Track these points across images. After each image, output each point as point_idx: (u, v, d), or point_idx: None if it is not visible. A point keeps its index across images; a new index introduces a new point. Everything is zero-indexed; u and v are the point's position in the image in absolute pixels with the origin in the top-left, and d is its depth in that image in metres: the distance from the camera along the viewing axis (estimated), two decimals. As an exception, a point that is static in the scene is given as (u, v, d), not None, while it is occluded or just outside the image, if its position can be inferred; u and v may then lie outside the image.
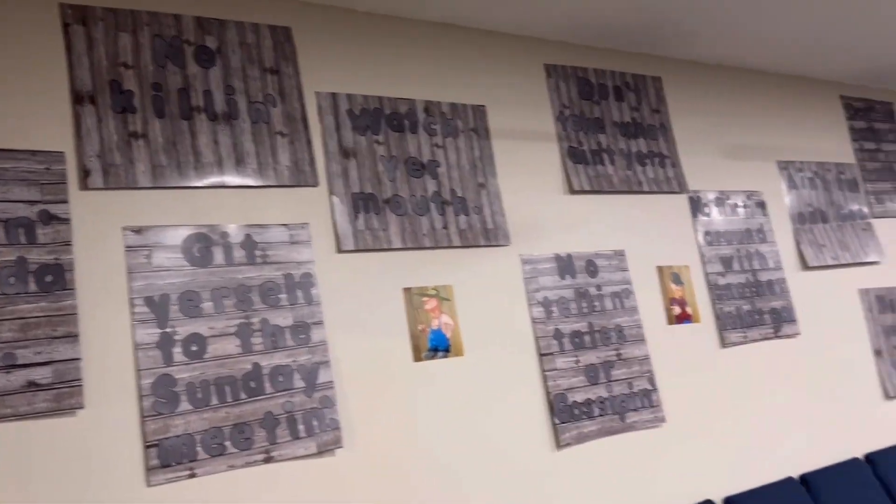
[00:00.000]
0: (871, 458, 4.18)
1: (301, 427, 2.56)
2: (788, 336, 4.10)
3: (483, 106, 3.38)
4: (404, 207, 3.01)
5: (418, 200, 3.06)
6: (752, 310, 3.99)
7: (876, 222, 4.83)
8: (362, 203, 2.92)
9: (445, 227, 3.09)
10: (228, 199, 2.64)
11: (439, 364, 2.93)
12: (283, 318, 2.63)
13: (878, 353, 4.49)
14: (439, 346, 2.95)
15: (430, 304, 2.96)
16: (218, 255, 2.57)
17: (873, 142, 5.05)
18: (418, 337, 2.91)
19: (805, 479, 3.84)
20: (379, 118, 3.06)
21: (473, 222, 3.18)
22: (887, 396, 4.43)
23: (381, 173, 3.00)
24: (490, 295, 3.14)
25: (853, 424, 4.21)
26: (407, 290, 2.93)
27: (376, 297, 2.86)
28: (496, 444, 2.99)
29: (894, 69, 4.94)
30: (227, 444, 2.43)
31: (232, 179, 2.66)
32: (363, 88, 3.06)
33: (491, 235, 3.21)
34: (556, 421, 3.16)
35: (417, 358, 2.89)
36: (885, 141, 5.12)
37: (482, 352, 3.05)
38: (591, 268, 3.49)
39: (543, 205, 3.43)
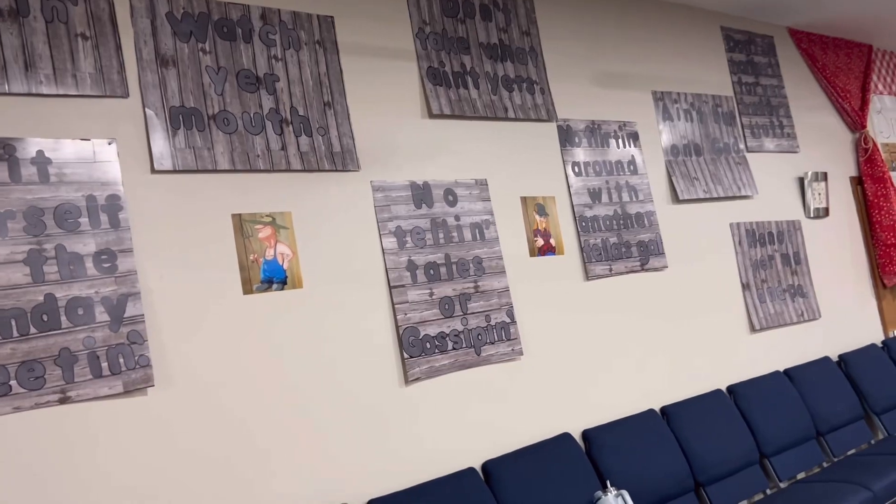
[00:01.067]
0: (732, 390, 4.22)
1: (104, 364, 2.30)
2: (656, 269, 4.04)
3: (331, 17, 3.09)
4: (234, 125, 2.72)
5: (252, 118, 2.77)
6: (619, 242, 3.91)
7: (751, 157, 4.81)
8: (183, 118, 2.62)
9: (284, 149, 2.82)
10: (15, 108, 2.29)
11: (274, 297, 2.70)
12: (82, 245, 2.33)
13: (745, 286, 4.51)
14: (274, 278, 2.71)
15: (265, 231, 2.71)
16: (1, 173, 2.24)
17: (752, 75, 5.01)
18: (249, 268, 2.66)
19: (665, 412, 3.83)
20: (205, 24, 2.74)
21: (318, 144, 2.92)
22: (753, 329, 4.48)
23: (207, 86, 2.70)
24: (336, 223, 2.91)
25: (718, 357, 4.23)
26: (236, 217, 2.67)
27: (199, 223, 2.59)
28: (339, 380, 2.81)
29: (777, 1, 4.87)
30: (13, 383, 2.15)
31: (19, 87, 2.30)
32: (185, -11, 2.72)
33: (338, 159, 2.96)
34: (406, 355, 2.99)
35: (248, 290, 2.64)
36: (763, 75, 5.08)
37: (325, 284, 2.84)
38: (451, 197, 3.29)
39: (399, 129, 3.20)
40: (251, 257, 2.67)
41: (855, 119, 5.65)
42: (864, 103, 5.80)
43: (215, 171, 2.65)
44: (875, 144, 5.65)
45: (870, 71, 5.99)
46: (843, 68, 5.76)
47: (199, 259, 2.58)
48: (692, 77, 4.59)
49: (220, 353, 2.55)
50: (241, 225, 2.68)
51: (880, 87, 6.17)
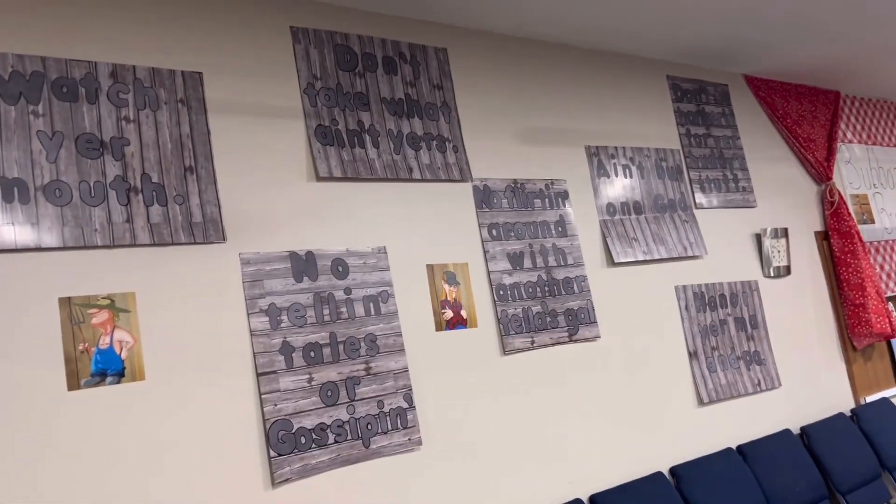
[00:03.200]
0: (675, 472, 3.83)
1: None
2: (587, 340, 3.69)
3: (199, 73, 2.79)
4: (68, 196, 2.40)
5: (91, 187, 2.46)
6: (544, 312, 3.56)
7: (700, 213, 4.49)
8: (3, 191, 2.30)
9: (129, 221, 2.50)
10: None
11: (106, 392, 2.35)
12: None
13: (693, 355, 4.15)
14: (108, 370, 2.37)
15: (100, 316, 2.38)
16: None
17: (702, 126, 4.71)
18: (77, 359, 2.32)
19: (594, 500, 3.45)
20: (40, 84, 2.43)
21: (173, 214, 2.60)
22: (701, 403, 4.10)
23: (37, 153, 2.38)
24: (192, 304, 2.58)
25: (661, 436, 3.86)
26: (64, 300, 2.33)
27: (18, 309, 2.25)
28: (189, 487, 2.44)
29: (731, 47, 4.59)
30: None
31: None
32: (18, 46, 2.42)
33: (198, 230, 2.64)
34: (273, 453, 2.63)
35: (74, 385, 2.30)
36: (715, 125, 4.78)
37: (173, 375, 2.49)
38: (340, 268, 2.96)
39: (279, 194, 2.88)
40: (80, 346, 2.33)
41: (820, 170, 5.33)
42: (831, 153, 5.50)
43: (39, 249, 2.32)
44: (841, 197, 5.32)
45: (837, 119, 5.70)
46: (808, 116, 5.47)
47: (17, 351, 2.24)
48: (633, 130, 4.28)
49: (34, 461, 2.20)
50: (71, 310, 2.34)
51: (849, 135, 5.87)
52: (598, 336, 3.74)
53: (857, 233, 5.28)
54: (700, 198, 4.53)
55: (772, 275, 4.77)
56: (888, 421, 4.92)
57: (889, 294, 5.59)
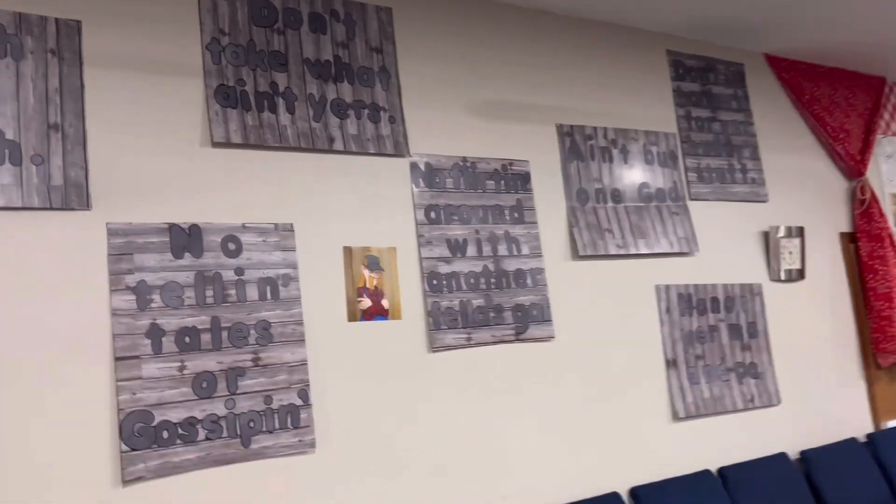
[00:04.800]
0: (636, 493, 3.40)
1: None
2: (537, 340, 3.29)
3: (76, 21, 2.50)
4: None
5: (-75, 141, 2.20)
6: (487, 306, 3.18)
7: (696, 205, 4.00)
8: None
9: (-31, 181, 2.23)
10: None
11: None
12: None
13: (671, 363, 3.69)
14: (-73, 344, 2.11)
15: (-78, 284, 2.12)
16: None
17: (707, 109, 4.21)
18: None
19: (526, 521, 3.06)
20: None
21: (27, 176, 2.33)
22: (676, 417, 3.64)
23: None
24: (38, 278, 2.31)
25: (623, 452, 3.45)
26: None
27: None
28: (23, 480, 2.18)
29: (751, 23, 4.07)
30: None
31: None
32: None
33: (55, 195, 2.36)
34: (125, 448, 2.34)
35: None
36: (724, 109, 4.27)
37: (12, 356, 2.22)
38: (232, 245, 2.65)
39: (163, 160, 2.59)
40: None
41: (851, 164, 4.74)
42: (867, 146, 4.89)
43: None
44: (874, 195, 4.72)
45: (879, 108, 5.07)
46: (842, 104, 4.87)
47: None
48: (618, 110, 3.83)
49: None
50: None
51: (893, 126, 5.22)
52: (551, 336, 3.33)
53: (891, 236, 4.67)
54: (697, 188, 4.04)
55: (781, 278, 4.24)
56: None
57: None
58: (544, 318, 3.34)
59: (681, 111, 4.10)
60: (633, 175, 3.80)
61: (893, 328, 4.48)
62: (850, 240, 4.76)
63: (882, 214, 4.71)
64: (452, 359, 3.07)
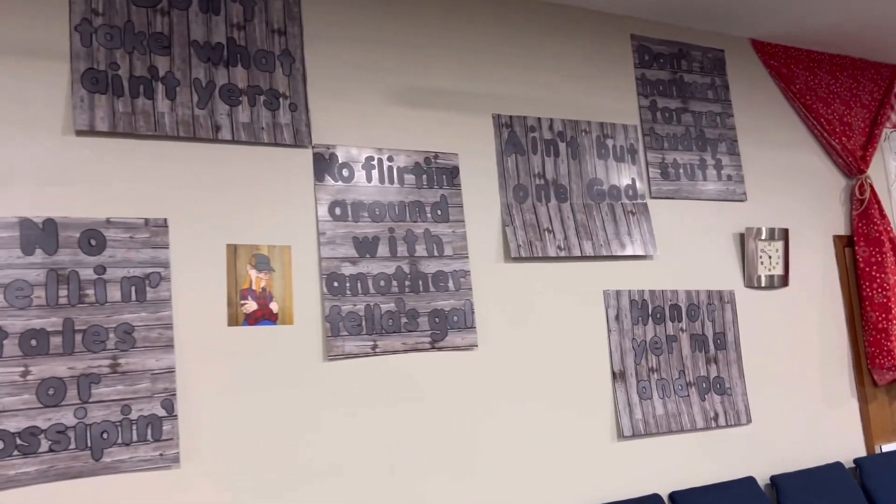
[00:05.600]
0: (567, 519, 3.09)
1: None
2: (457, 348, 3.01)
3: (-80, 0, 2.32)
4: None
5: None
6: (399, 311, 2.91)
7: (659, 204, 3.66)
8: None
9: None
10: None
11: None
12: None
13: (618, 376, 3.36)
14: None
15: None
16: None
17: (678, 99, 3.85)
18: None
19: (428, 548, 2.79)
20: None
21: None
22: (621, 436, 3.32)
23: None
24: None
25: (551, 474, 3.16)
26: None
27: None
28: None
29: (735, 4, 3.71)
30: None
31: None
32: None
33: None
34: (-52, 459, 2.16)
35: None
36: (698, 99, 3.91)
37: None
38: (93, 241, 2.45)
39: (14, 148, 2.40)
40: None
41: (850, 161, 4.31)
42: (871, 140, 4.44)
43: None
44: (874, 195, 4.28)
45: (889, 99, 4.61)
46: (843, 94, 4.44)
47: None
48: (568, 99, 3.52)
49: None
50: None
51: (906, 120, 4.75)
52: (473, 345, 3.05)
53: (892, 240, 4.23)
54: (660, 185, 3.69)
55: (759, 284, 3.86)
56: (905, 478, 3.91)
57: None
58: (467, 324, 3.05)
59: (645, 101, 3.76)
60: (583, 171, 3.48)
61: (890, 342, 4.05)
62: (847, 244, 4.32)
63: (883, 216, 4.27)
64: (353, 368, 2.81)
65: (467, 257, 3.11)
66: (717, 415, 3.58)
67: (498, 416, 3.07)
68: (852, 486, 3.78)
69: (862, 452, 4.07)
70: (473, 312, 3.08)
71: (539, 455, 3.13)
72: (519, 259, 3.24)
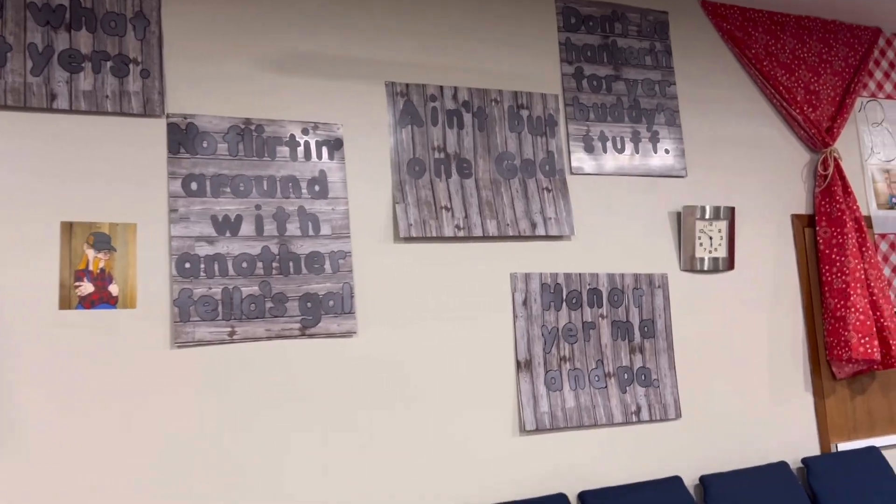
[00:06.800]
0: (453, 520, 2.87)
1: None
2: (332, 335, 2.79)
3: None
4: None
5: None
6: (265, 295, 2.70)
7: (580, 181, 3.36)
8: None
9: None
10: None
11: None
12: None
13: (523, 366, 3.10)
14: None
15: None
16: None
17: (609, 65, 3.53)
18: None
19: (283, 550, 2.59)
20: None
21: None
22: (523, 431, 3.06)
23: None
24: None
25: (447, 474, 2.94)
26: None
27: None
28: None
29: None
30: None
31: None
32: None
33: None
34: None
35: None
36: (633, 65, 3.58)
37: None
38: None
39: None
40: None
41: (814, 133, 3.94)
42: (842, 110, 4.06)
43: None
44: (839, 170, 3.91)
45: (866, 66, 4.21)
46: (811, 60, 4.07)
47: None
48: (476, 65, 3.24)
49: None
50: None
51: (889, 88, 4.34)
52: (352, 331, 2.82)
53: (856, 220, 3.88)
54: (582, 160, 3.40)
55: (698, 268, 3.54)
56: (861, 477, 3.57)
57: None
58: (344, 309, 2.82)
59: (569, 68, 3.45)
60: (491, 144, 3.20)
61: (847, 332, 3.69)
62: (808, 223, 3.96)
63: (847, 193, 3.89)
64: (206, 357, 2.61)
65: (348, 237, 2.88)
66: (639, 408, 3.30)
67: (381, 410, 2.84)
68: (795, 488, 3.46)
69: (816, 451, 3.73)
70: (353, 297, 2.84)
71: (430, 453, 2.90)
72: (410, 239, 2.99)
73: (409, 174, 3.03)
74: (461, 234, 3.06)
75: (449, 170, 3.10)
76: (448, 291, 3.03)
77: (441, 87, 3.15)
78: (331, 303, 2.81)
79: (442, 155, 3.10)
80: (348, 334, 2.83)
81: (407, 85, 3.09)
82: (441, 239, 3.04)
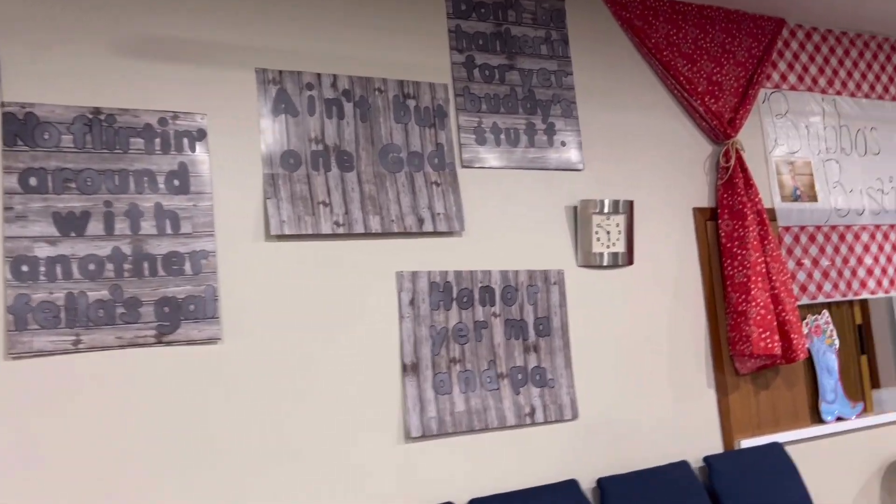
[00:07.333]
0: (329, 535, 2.68)
1: None
2: (193, 342, 2.58)
3: None
4: None
5: None
6: (114, 299, 2.47)
7: (469, 174, 3.20)
8: None
9: None
10: None
11: None
12: None
13: (410, 368, 2.93)
14: None
15: None
16: None
17: (502, 55, 3.39)
18: None
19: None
20: None
21: None
22: (408, 438, 2.89)
23: None
24: None
25: (332, 489, 2.73)
26: None
27: None
28: None
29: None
30: None
31: None
32: None
33: None
34: None
35: None
36: (528, 55, 3.45)
37: None
38: None
39: None
40: None
41: (715, 125, 3.86)
42: (745, 101, 3.99)
43: None
44: (740, 162, 3.84)
45: (770, 56, 4.16)
46: (712, 51, 3.99)
47: None
48: (358, 53, 3.05)
49: None
50: None
51: (792, 79, 4.30)
52: (216, 338, 2.61)
53: (758, 212, 3.82)
54: (474, 153, 3.24)
55: (596, 263, 3.42)
56: (763, 474, 3.51)
57: (827, 300, 4.09)
58: (207, 314, 2.61)
59: (459, 57, 3.29)
60: (375, 135, 3.02)
61: (748, 326, 3.63)
62: (710, 217, 3.88)
63: (749, 185, 3.83)
64: (46, 368, 2.37)
65: (213, 235, 2.67)
66: (533, 410, 3.17)
67: (252, 423, 2.64)
68: (696, 487, 3.38)
69: (719, 449, 3.66)
70: (217, 300, 2.63)
71: (308, 467, 2.71)
72: (283, 237, 2.79)
73: (283, 167, 2.84)
74: (341, 230, 2.88)
75: (328, 163, 2.92)
76: (327, 293, 2.85)
77: (319, 75, 2.96)
78: (191, 307, 2.60)
79: (320, 147, 2.92)
80: (212, 341, 2.62)
81: (280, 72, 2.90)
82: (318, 236, 2.86)
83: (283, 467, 2.67)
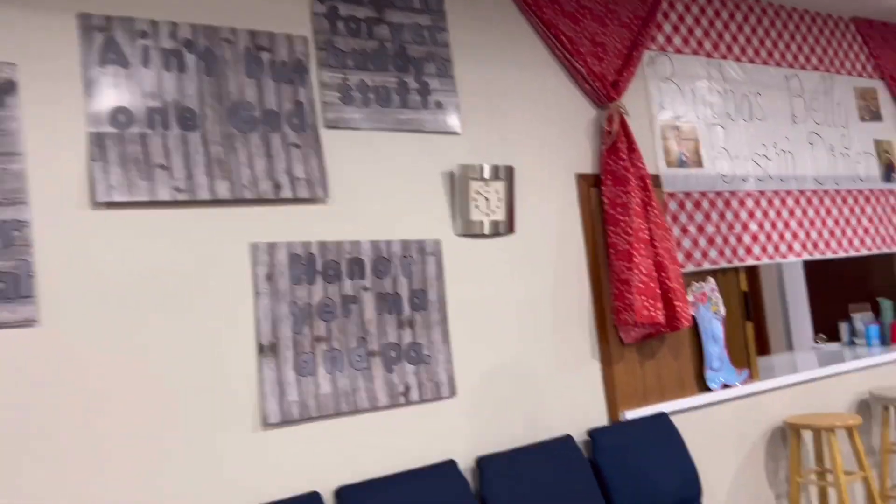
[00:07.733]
0: (174, 537, 2.38)
1: None
2: (3, 325, 2.20)
3: None
4: None
5: None
6: None
7: (333, 135, 2.92)
8: None
9: None
10: None
11: None
12: None
13: (268, 349, 2.65)
14: None
15: None
16: None
17: (370, 7, 3.09)
18: None
19: None
20: None
21: None
22: (266, 424, 2.61)
23: None
24: None
25: (179, 484, 2.42)
26: None
27: None
28: None
29: None
30: None
31: None
32: None
33: None
34: None
35: None
36: (398, 8, 3.18)
37: None
38: None
39: None
40: None
41: (597, 87, 3.69)
42: (628, 63, 3.84)
43: None
44: (623, 126, 3.70)
45: (654, 16, 4.01)
46: (596, 10, 3.83)
47: None
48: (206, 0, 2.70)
49: None
50: None
51: (677, 41, 4.18)
52: (31, 320, 2.26)
53: (641, 178, 3.69)
54: (339, 112, 2.97)
55: (475, 232, 3.21)
56: (648, 446, 3.40)
57: (712, 267, 4.01)
58: (20, 293, 2.26)
59: (320, 7, 3.00)
60: (223, 91, 2.70)
61: (632, 295, 3.50)
62: (594, 183, 3.73)
63: (632, 149, 3.70)
64: None
65: (25, 203, 2.31)
66: (408, 388, 2.95)
67: (76, 414, 2.31)
68: (579, 462, 3.25)
69: (605, 422, 3.54)
70: (32, 277, 2.28)
71: (151, 462, 2.39)
72: (112, 205, 2.46)
73: (113, 125, 2.50)
74: (182, 197, 2.57)
75: (167, 121, 2.59)
76: (166, 268, 2.53)
77: (154, 23, 2.62)
78: (1, 285, 2.24)
79: (157, 103, 2.58)
80: (26, 323, 2.27)
81: (108, 18, 2.55)
82: (155, 204, 2.54)
83: (114, 462, 2.36)
